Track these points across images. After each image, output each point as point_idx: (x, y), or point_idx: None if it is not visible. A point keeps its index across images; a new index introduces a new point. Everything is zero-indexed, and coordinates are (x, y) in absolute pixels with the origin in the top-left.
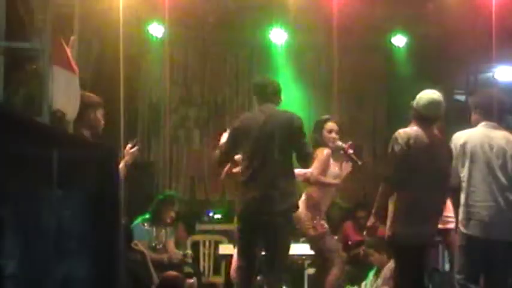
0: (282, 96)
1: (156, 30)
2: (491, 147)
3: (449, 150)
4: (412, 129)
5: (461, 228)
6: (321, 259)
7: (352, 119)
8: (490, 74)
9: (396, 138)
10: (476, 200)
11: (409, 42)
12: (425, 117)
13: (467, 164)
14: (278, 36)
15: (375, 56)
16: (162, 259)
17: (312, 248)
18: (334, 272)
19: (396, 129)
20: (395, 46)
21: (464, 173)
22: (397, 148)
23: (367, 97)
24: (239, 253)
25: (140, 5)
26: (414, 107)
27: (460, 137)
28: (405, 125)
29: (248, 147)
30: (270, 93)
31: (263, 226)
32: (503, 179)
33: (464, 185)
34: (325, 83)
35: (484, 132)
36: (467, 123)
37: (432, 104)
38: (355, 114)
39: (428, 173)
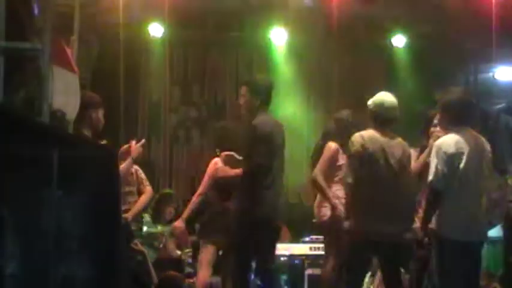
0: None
1: (156, 30)
2: (477, 153)
3: (406, 150)
4: (367, 132)
5: (446, 234)
6: None
7: (352, 118)
8: (490, 74)
9: (352, 142)
10: (464, 206)
11: (409, 42)
12: (385, 118)
13: (460, 171)
14: (278, 36)
15: (374, 56)
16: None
17: None
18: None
19: (396, 129)
20: (395, 46)
21: (455, 180)
22: (353, 150)
23: (367, 97)
24: (241, 262)
25: (140, 5)
26: (372, 109)
27: (449, 145)
28: (405, 124)
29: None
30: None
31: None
32: (480, 183)
33: (454, 190)
34: (325, 83)
35: (467, 139)
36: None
37: (391, 106)
38: (355, 114)
39: (384, 173)
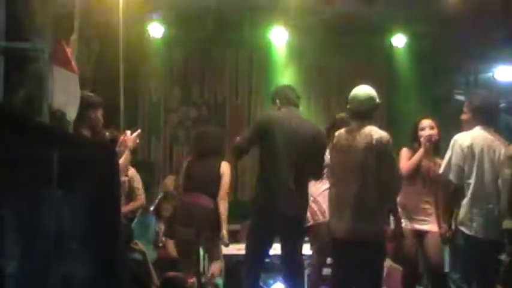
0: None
1: (156, 30)
2: (494, 151)
3: (371, 148)
4: (344, 129)
5: (463, 229)
6: None
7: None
8: (490, 74)
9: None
10: (482, 203)
11: (409, 42)
12: (352, 112)
13: (475, 166)
14: (278, 36)
15: (375, 56)
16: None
17: None
18: None
19: (396, 129)
20: (395, 46)
21: (472, 175)
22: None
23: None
24: (250, 250)
25: (140, 5)
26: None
27: (464, 139)
28: (405, 124)
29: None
30: (295, 97)
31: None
32: (499, 182)
33: (470, 187)
34: (325, 83)
35: (485, 136)
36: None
37: (354, 98)
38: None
39: (348, 171)
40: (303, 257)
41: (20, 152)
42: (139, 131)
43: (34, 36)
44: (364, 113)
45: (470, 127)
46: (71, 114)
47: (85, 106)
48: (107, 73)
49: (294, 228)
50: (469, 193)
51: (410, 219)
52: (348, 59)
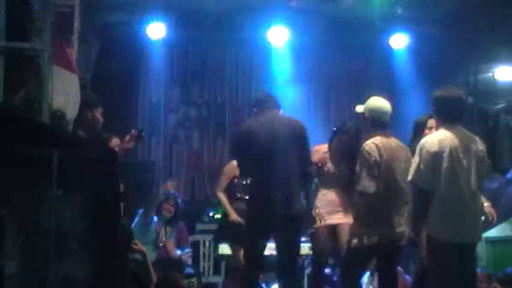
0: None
1: (156, 30)
2: (463, 152)
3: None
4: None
5: (438, 236)
6: None
7: (351, 119)
8: (490, 74)
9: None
10: (453, 206)
11: (409, 42)
12: (381, 122)
13: (444, 170)
14: (278, 36)
15: (374, 56)
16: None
17: None
18: None
19: (397, 129)
20: (394, 46)
21: (441, 180)
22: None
23: (367, 97)
24: (245, 253)
25: (140, 5)
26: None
27: (432, 143)
28: (405, 124)
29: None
30: (270, 100)
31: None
32: (473, 182)
33: (440, 191)
34: (325, 83)
35: (452, 137)
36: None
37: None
38: (355, 115)
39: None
40: (303, 257)
41: (20, 152)
42: (133, 131)
43: (34, 36)
44: (389, 123)
45: (437, 124)
46: (71, 114)
47: (83, 106)
48: (107, 73)
49: (288, 227)
50: (439, 197)
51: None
52: (348, 59)
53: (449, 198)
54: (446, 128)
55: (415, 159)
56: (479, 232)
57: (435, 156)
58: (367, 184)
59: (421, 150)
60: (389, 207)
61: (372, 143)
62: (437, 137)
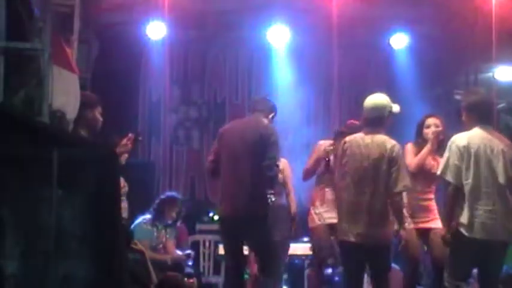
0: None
1: (156, 30)
2: (492, 150)
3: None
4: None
5: (463, 231)
6: None
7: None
8: (490, 74)
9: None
10: (479, 203)
11: (410, 42)
12: (365, 119)
13: (472, 166)
14: (278, 36)
15: (374, 56)
16: (165, 260)
17: None
18: None
19: (397, 129)
20: (395, 46)
21: (469, 176)
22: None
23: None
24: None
25: (140, 5)
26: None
27: (462, 139)
28: (405, 124)
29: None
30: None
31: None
32: (502, 181)
33: (468, 187)
34: (325, 83)
35: (483, 135)
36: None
37: (368, 105)
38: (355, 114)
39: (361, 178)
40: (303, 257)
41: (20, 152)
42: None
43: (34, 36)
44: (376, 120)
45: (469, 127)
46: (71, 114)
47: (83, 105)
48: (107, 73)
49: (256, 227)
50: (467, 194)
51: (414, 217)
52: (348, 59)
53: (477, 194)
54: (479, 128)
55: (445, 154)
56: (509, 230)
57: (464, 151)
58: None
59: (450, 145)
60: (358, 205)
61: (344, 140)
62: (468, 134)
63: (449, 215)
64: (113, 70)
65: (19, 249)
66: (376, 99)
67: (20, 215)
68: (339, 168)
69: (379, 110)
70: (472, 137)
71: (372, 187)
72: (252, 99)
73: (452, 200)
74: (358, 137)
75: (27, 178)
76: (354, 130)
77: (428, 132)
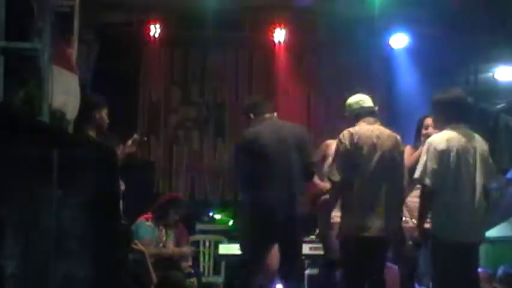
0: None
1: (156, 30)
2: (468, 152)
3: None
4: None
5: (437, 233)
6: None
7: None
8: (490, 74)
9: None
10: (456, 206)
11: (409, 42)
12: (366, 111)
13: (451, 170)
14: (279, 36)
15: (374, 56)
16: (171, 253)
17: None
18: None
19: (398, 129)
20: (395, 46)
21: (448, 179)
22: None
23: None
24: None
25: (140, 5)
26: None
27: (439, 142)
28: (405, 124)
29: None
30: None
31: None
32: (478, 182)
33: (446, 190)
34: (325, 83)
35: (458, 137)
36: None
37: (362, 100)
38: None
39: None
40: (303, 257)
41: (20, 152)
42: (135, 136)
43: (34, 36)
44: (372, 110)
45: (439, 126)
46: (71, 114)
47: (90, 107)
48: (107, 73)
49: (293, 234)
50: (444, 197)
51: (412, 217)
52: (348, 59)
53: (455, 197)
54: (451, 129)
55: (422, 157)
56: (483, 232)
57: (443, 154)
58: (332, 172)
59: (428, 147)
60: (362, 198)
61: (347, 131)
62: (445, 136)
63: (422, 217)
64: (112, 70)
65: (19, 249)
66: (359, 95)
67: (20, 215)
68: (345, 161)
69: (369, 101)
70: (450, 139)
71: (391, 178)
72: (252, 102)
73: (427, 203)
74: (364, 128)
75: (27, 178)
76: None
77: (426, 133)
